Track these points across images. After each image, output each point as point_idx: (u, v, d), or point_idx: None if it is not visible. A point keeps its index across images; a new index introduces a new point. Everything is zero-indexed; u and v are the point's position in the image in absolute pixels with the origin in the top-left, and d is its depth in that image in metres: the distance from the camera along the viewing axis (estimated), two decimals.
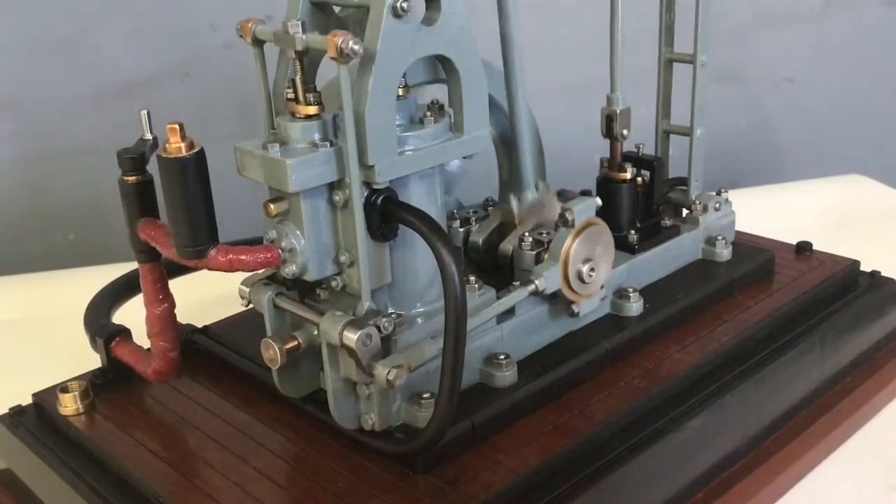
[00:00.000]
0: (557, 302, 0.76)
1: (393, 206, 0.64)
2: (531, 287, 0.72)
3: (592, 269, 0.74)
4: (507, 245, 0.78)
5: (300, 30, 0.61)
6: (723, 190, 0.94)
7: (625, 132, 0.86)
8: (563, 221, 0.73)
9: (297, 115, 0.63)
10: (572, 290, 0.74)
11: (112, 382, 0.78)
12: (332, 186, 0.63)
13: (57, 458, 0.72)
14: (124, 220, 0.68)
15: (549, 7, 1.47)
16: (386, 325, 0.63)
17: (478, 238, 0.80)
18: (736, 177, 1.56)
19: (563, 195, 1.08)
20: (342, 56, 0.58)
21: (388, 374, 0.61)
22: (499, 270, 0.79)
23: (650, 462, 0.69)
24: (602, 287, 0.77)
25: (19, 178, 1.37)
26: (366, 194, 0.63)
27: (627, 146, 0.88)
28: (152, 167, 0.65)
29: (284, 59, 0.67)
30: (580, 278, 0.74)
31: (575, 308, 0.76)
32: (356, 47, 0.58)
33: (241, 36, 0.65)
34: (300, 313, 0.65)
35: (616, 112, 0.86)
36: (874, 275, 0.94)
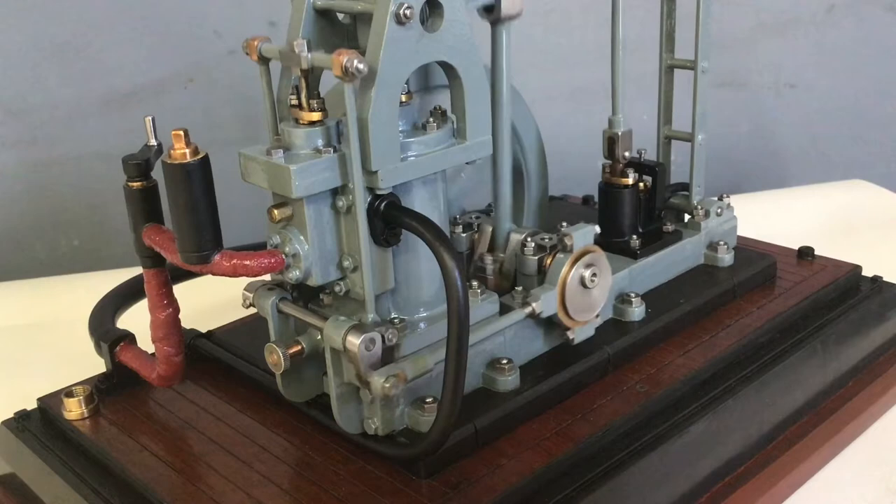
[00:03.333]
0: (553, 328, 0.76)
1: (396, 211, 0.64)
2: (528, 310, 0.72)
3: (595, 275, 0.74)
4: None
5: (305, 49, 0.61)
6: (725, 195, 0.94)
7: (626, 154, 0.87)
8: (563, 247, 0.73)
9: (301, 122, 0.63)
10: (569, 316, 0.74)
11: (116, 387, 0.78)
12: (336, 192, 0.63)
13: (61, 462, 0.72)
14: (129, 226, 0.68)
15: (553, 14, 1.48)
16: (390, 336, 0.64)
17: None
18: (738, 182, 1.56)
19: (566, 200, 1.08)
20: (347, 75, 0.58)
21: (383, 383, 0.61)
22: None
23: (652, 467, 0.69)
24: (598, 315, 0.77)
25: (24, 184, 1.38)
26: (369, 200, 0.63)
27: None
28: (157, 173, 0.65)
29: (289, 69, 0.67)
30: (583, 283, 0.74)
31: (570, 335, 0.75)
32: (361, 66, 0.58)
33: (247, 53, 0.66)
34: (304, 318, 0.65)
35: (618, 135, 0.86)
36: (876, 280, 0.94)
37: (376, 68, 0.61)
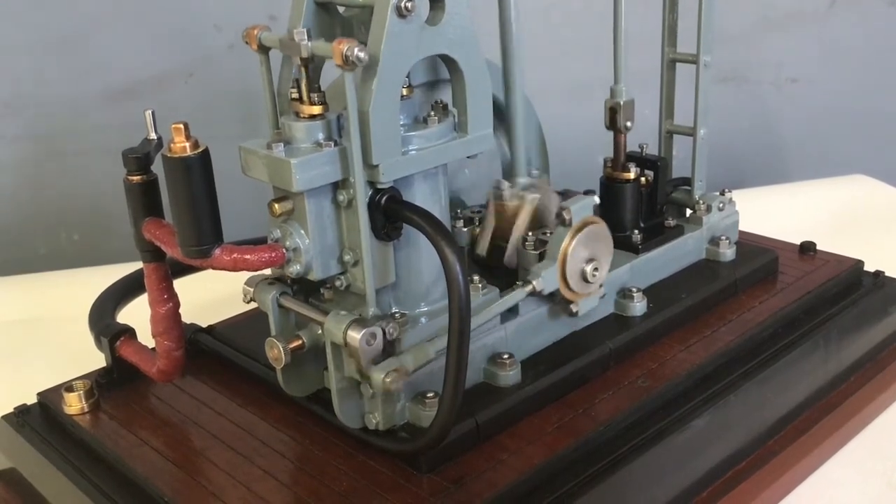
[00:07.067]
0: (557, 302, 0.75)
1: (397, 205, 0.64)
2: (529, 287, 0.71)
3: (596, 269, 0.74)
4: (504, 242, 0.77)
5: (306, 37, 0.61)
6: (726, 190, 0.94)
7: (628, 124, 0.86)
8: (561, 221, 0.72)
9: (302, 115, 0.63)
10: (570, 289, 0.74)
11: (117, 382, 0.78)
12: (337, 186, 0.63)
13: (62, 457, 0.72)
14: (129, 220, 0.68)
15: (554, 8, 1.48)
16: (391, 330, 0.63)
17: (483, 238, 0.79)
18: (740, 177, 1.56)
19: (566, 195, 1.07)
20: (347, 64, 0.58)
21: (384, 378, 0.61)
22: (503, 270, 0.79)
23: (654, 461, 0.69)
24: (601, 286, 0.76)
25: (24, 179, 1.38)
26: (370, 194, 0.63)
27: (630, 146, 0.89)
28: (157, 167, 0.65)
29: (289, 59, 0.67)
30: (584, 278, 0.74)
31: (574, 308, 0.75)
32: (361, 55, 0.58)
33: (246, 42, 0.65)
34: (304, 312, 0.65)
35: (619, 104, 0.86)
36: (878, 275, 0.94)
37: (377, 61, 0.60)
